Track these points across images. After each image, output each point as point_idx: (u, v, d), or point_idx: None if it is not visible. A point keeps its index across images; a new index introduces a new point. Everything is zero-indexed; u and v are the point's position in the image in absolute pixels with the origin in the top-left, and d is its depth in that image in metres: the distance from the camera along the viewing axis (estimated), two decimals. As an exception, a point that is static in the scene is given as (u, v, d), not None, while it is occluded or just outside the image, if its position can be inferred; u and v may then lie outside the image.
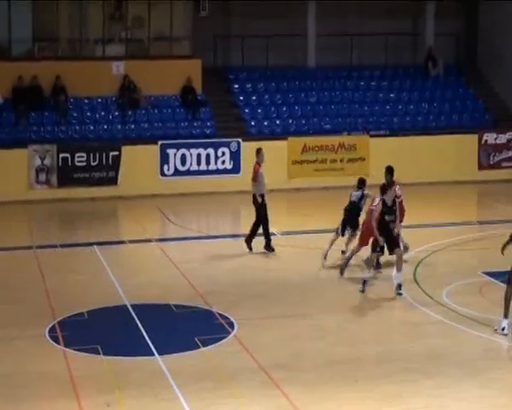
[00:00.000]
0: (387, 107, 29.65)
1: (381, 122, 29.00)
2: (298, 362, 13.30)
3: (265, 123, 28.46)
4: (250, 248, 19.64)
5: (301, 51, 30.82)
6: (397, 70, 31.14)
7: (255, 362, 13.19)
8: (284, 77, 30.04)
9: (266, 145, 26.71)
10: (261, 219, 19.48)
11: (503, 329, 14.34)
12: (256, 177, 19.46)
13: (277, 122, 28.54)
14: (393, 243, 16.61)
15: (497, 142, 28.35)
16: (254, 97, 29.29)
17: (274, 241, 20.58)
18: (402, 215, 18.01)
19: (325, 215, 23.39)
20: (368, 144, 27.56)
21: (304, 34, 30.62)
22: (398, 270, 16.56)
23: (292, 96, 29.50)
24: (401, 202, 17.96)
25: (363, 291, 16.51)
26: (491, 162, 28.34)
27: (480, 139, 28.26)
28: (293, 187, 26.68)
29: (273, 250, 19.71)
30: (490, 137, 28.39)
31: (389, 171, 17.74)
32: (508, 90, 30.46)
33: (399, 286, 16.45)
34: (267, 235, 19.61)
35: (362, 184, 18.42)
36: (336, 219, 22.85)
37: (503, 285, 16.52)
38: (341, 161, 27.42)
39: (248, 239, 19.65)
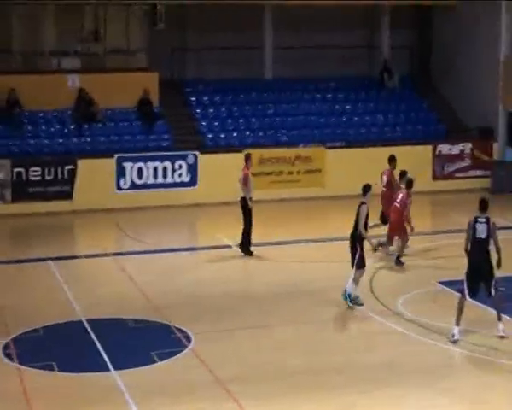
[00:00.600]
0: (343, 119, 29.82)
1: (336, 134, 29.13)
2: (256, 375, 13.31)
3: (222, 135, 28.46)
4: (250, 254, 20.34)
5: (258, 63, 30.90)
6: (352, 82, 31.32)
7: (213, 376, 13.17)
8: (241, 89, 30.08)
9: (223, 158, 27.00)
10: (248, 222, 20.41)
11: (452, 335, 14.52)
12: (247, 181, 20.48)
13: (234, 134, 28.55)
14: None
15: (451, 153, 28.64)
16: (211, 110, 29.28)
17: (230, 253, 20.72)
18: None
19: (281, 227, 23.50)
20: (324, 156, 27.69)
21: (260, 46, 30.73)
22: (355, 282, 16.61)
23: (249, 109, 29.54)
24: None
25: (351, 307, 16.37)
26: (445, 173, 28.62)
27: (434, 150, 28.54)
28: (249, 199, 26.66)
29: (251, 254, 20.32)
30: (443, 148, 28.68)
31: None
32: (460, 101, 30.82)
33: (349, 297, 16.44)
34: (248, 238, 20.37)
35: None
36: (293, 230, 23.01)
37: (457, 294, 16.75)
38: (298, 172, 27.48)
39: (245, 246, 20.38)
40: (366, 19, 32.43)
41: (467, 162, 28.73)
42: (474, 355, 14.04)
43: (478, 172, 28.48)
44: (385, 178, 20.89)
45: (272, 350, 14.34)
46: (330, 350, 14.39)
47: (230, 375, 13.23)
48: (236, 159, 26.93)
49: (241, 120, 29.03)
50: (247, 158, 21.09)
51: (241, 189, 20.80)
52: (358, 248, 16.49)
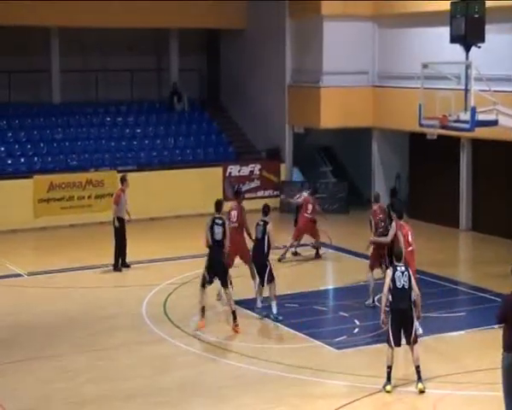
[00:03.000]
0: (134, 142, 29.72)
1: (128, 157, 28.99)
2: (47, 406, 12.97)
3: (9, 161, 27.54)
4: (127, 266, 21.20)
5: (45, 87, 30.29)
6: (143, 105, 31.35)
7: (2, 409, 12.69)
8: (28, 114, 29.33)
9: (11, 184, 26.15)
10: (119, 240, 20.97)
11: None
12: (117, 201, 21.19)
13: (22, 160, 27.71)
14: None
15: (241, 174, 29.21)
16: (-4, 135, 28.36)
17: (20, 282, 20.06)
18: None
19: (72, 253, 23.05)
20: (115, 180, 27.13)
21: (48, 70, 30.12)
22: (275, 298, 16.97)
23: (37, 134, 28.82)
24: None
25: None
26: (236, 194, 29.13)
27: (224, 171, 29.02)
28: (39, 226, 26.05)
29: (128, 266, 21.03)
30: (234, 170, 29.21)
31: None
32: (249, 123, 31.56)
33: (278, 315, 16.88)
34: (123, 254, 21.13)
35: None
36: (83, 256, 22.58)
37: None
38: (89, 197, 27.08)
39: (116, 264, 21.02)
40: (154, 42, 32.60)
41: (256, 183, 29.42)
42: (265, 371, 14.30)
43: (267, 193, 29.21)
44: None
45: (62, 379, 13.98)
46: (122, 376, 14.20)
47: (21, 408, 12.85)
48: (25, 185, 26.26)
49: (28, 146, 28.25)
50: (122, 179, 21.67)
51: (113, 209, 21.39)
52: (268, 264, 16.88)
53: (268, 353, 15.12)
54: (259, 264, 17.11)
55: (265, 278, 16.89)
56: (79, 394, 13.38)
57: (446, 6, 21.01)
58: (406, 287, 13.39)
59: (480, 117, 19.80)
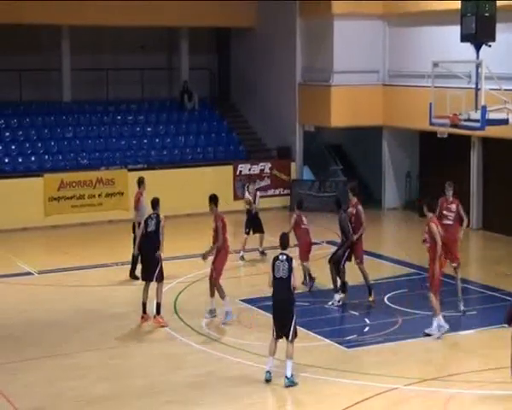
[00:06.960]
0: (145, 141, 29.79)
1: (138, 156, 29.06)
2: (58, 403, 13.02)
3: (20, 160, 27.65)
4: (136, 278, 19.44)
5: (56, 86, 30.38)
6: (153, 104, 31.42)
7: (13, 407, 12.77)
8: (39, 112, 29.44)
9: (21, 183, 26.23)
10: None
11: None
12: (138, 205, 19.93)
13: (32, 159, 27.81)
14: None
15: (251, 172, 29.24)
16: (8, 133, 28.38)
17: (31, 280, 20.14)
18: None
19: (82, 252, 23.13)
20: (126, 178, 27.47)
21: (58, 68, 30.22)
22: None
23: (47, 132, 28.92)
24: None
25: None
26: (246, 192, 29.17)
27: (234, 170, 29.05)
28: (50, 224, 26.14)
29: (137, 279, 19.23)
30: (244, 168, 29.25)
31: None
32: (259, 122, 31.60)
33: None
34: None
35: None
36: (92, 254, 22.61)
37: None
38: (100, 196, 27.16)
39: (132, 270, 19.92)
40: (165, 41, 32.66)
41: (266, 181, 29.44)
42: (276, 370, 14.28)
43: (277, 191, 29.26)
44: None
45: (74, 377, 14.04)
46: (134, 374, 14.26)
47: (32, 405, 12.89)
48: (35, 184, 26.34)
49: (39, 144, 28.35)
50: (139, 182, 20.72)
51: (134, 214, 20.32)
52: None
53: (279, 351, 15.10)
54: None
55: None
56: (90, 392, 13.43)
57: (457, 5, 20.99)
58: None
59: (491, 116, 19.78)
